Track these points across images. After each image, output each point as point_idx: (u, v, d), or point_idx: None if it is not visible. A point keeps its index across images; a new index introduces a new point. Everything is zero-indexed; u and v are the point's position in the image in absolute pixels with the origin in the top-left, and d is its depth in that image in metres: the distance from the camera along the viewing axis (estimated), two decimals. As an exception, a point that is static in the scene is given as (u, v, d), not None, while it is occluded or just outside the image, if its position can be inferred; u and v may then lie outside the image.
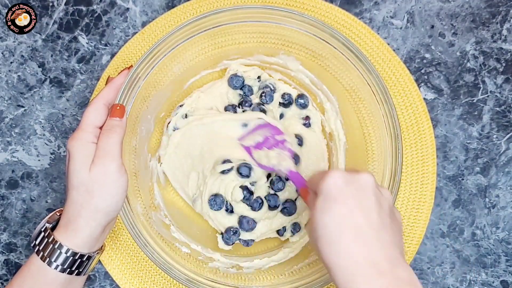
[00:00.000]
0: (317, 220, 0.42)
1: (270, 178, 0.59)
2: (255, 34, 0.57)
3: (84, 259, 0.47)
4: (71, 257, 0.46)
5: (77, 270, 0.47)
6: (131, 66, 0.51)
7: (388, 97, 0.51)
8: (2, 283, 0.63)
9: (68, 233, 0.46)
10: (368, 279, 0.39)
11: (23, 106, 0.63)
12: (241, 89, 0.61)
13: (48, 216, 0.49)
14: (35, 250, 0.46)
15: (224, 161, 0.57)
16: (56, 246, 0.45)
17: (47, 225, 0.48)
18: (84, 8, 0.63)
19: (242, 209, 0.57)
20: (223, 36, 0.57)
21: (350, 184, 0.41)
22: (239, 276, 0.55)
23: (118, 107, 0.48)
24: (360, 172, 0.42)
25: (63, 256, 0.46)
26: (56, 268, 0.46)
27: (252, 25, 0.54)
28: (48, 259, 0.46)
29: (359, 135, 0.57)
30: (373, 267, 0.39)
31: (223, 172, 0.56)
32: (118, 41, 0.63)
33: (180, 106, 0.60)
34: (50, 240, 0.46)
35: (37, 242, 0.47)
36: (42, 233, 0.47)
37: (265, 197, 0.58)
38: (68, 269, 0.46)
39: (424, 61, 0.62)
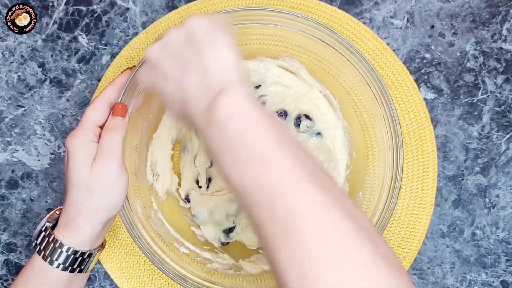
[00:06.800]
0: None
1: None
2: (258, 36, 0.57)
3: (86, 256, 0.47)
4: (72, 256, 0.46)
5: (79, 268, 0.47)
6: (134, 66, 0.51)
7: (388, 98, 0.51)
8: (2, 283, 0.63)
9: (69, 232, 0.46)
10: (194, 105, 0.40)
11: (23, 106, 0.63)
12: None
13: (48, 216, 0.49)
14: (36, 250, 0.46)
15: None
16: (57, 245, 0.45)
17: (47, 224, 0.48)
18: (84, 8, 0.63)
19: None
20: (225, 37, 0.56)
21: (163, 47, 0.42)
22: (237, 277, 0.55)
23: (120, 106, 0.48)
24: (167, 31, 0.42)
25: (64, 254, 0.46)
26: (58, 267, 0.46)
27: (254, 27, 0.54)
28: (49, 258, 0.46)
29: (360, 138, 0.57)
30: (203, 95, 0.40)
31: None
32: (118, 41, 0.63)
33: None
34: (50, 240, 0.46)
35: (38, 242, 0.47)
36: (43, 233, 0.47)
37: None
38: (70, 267, 0.46)
39: (424, 61, 0.63)
